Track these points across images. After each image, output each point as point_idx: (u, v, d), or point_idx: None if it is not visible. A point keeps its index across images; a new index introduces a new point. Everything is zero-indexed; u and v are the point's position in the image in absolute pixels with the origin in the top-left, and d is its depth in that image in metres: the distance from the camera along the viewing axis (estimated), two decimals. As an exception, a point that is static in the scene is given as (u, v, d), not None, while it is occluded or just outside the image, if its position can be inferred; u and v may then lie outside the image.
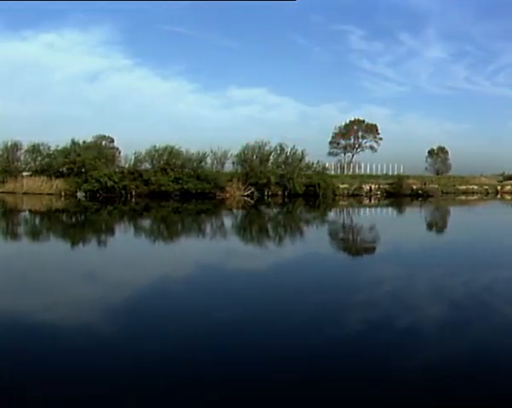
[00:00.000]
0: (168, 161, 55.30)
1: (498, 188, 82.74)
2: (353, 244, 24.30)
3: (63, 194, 52.91)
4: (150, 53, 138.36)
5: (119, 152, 62.34)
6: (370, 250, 21.48)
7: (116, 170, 55.37)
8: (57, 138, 78.05)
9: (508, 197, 74.81)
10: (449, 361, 7.93)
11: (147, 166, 56.32)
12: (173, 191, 53.83)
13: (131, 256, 18.60)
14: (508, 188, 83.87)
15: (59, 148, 56.54)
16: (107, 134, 66.87)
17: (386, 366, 7.71)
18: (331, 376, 7.30)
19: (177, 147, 56.51)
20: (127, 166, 56.23)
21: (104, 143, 63.65)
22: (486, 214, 45.87)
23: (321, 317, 10.40)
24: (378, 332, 9.33)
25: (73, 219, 35.22)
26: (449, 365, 7.75)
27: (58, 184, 53.53)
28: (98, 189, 52.94)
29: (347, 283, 14.04)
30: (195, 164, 56.25)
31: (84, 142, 57.56)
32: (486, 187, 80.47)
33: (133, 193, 53.71)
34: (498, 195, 77.65)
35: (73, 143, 56.41)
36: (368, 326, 9.71)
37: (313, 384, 6.92)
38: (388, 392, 6.74)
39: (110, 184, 52.60)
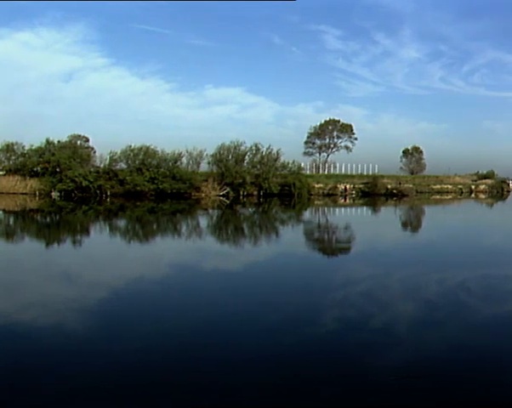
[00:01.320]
0: (144, 160, 55.28)
1: (473, 187, 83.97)
2: (328, 243, 24.49)
3: (37, 193, 52.57)
4: (126, 53, 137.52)
5: (94, 152, 62.20)
6: (345, 249, 21.71)
7: (92, 170, 55.10)
8: (31, 138, 78.05)
9: (482, 196, 75.95)
10: (423, 360, 8.05)
11: (122, 165, 56.19)
12: (149, 191, 53.80)
13: (106, 256, 18.68)
14: (482, 187, 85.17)
15: (33, 147, 56.16)
16: (82, 134, 66.78)
17: (361, 366, 7.77)
18: (305, 375, 7.35)
19: (152, 147, 56.65)
20: (102, 165, 56.00)
21: (79, 142, 63.26)
22: (460, 213, 46.70)
23: (297, 316, 10.45)
24: (352, 332, 9.45)
25: (48, 219, 35.08)
26: (423, 365, 7.86)
27: (32, 183, 53.16)
28: (73, 188, 52.69)
29: (322, 283, 14.08)
30: (170, 164, 56.30)
31: (59, 141, 57.23)
32: (461, 186, 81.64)
33: (109, 193, 53.55)
34: (472, 195, 78.78)
35: (48, 142, 56.11)
36: (343, 326, 9.87)
37: (288, 384, 7.03)
38: (363, 392, 6.82)
39: (85, 183, 52.38)
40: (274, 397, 6.65)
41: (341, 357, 8.16)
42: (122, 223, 32.67)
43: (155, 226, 31.09)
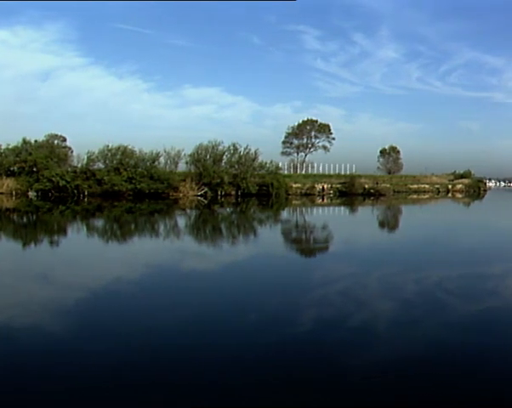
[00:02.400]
0: (121, 160, 55.17)
1: (449, 187, 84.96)
2: (306, 243, 24.69)
3: (14, 193, 52.21)
4: (104, 52, 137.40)
5: (71, 151, 61.96)
6: (322, 249, 21.89)
7: (69, 169, 54.88)
8: (8, 137, 77.00)
9: (459, 196, 76.91)
10: (401, 359, 8.13)
11: (100, 165, 56.06)
12: (127, 191, 53.75)
13: (83, 256, 18.62)
14: (459, 186, 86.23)
15: (9, 146, 55.61)
16: (59, 133, 66.24)
17: (338, 366, 7.84)
18: (283, 376, 7.38)
19: (130, 147, 56.64)
20: (79, 165, 55.77)
21: (56, 142, 62.85)
22: (437, 213, 47.31)
23: (274, 316, 10.48)
24: (330, 331, 9.52)
25: (24, 219, 34.89)
26: (401, 363, 7.95)
27: (9, 183, 52.73)
28: (50, 188, 52.42)
29: (300, 282, 14.06)
30: (148, 164, 56.27)
31: (36, 141, 56.92)
32: (438, 186, 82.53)
33: (86, 193, 53.33)
34: (449, 194, 79.72)
35: (24, 142, 55.73)
36: (321, 325, 9.92)
37: (265, 385, 7.08)
38: (340, 392, 6.88)
39: (62, 183, 52.14)
40: (250, 397, 6.70)
41: (319, 357, 8.19)
42: (99, 223, 32.64)
43: (133, 226, 31.09)
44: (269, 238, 25.22)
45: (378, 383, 7.14)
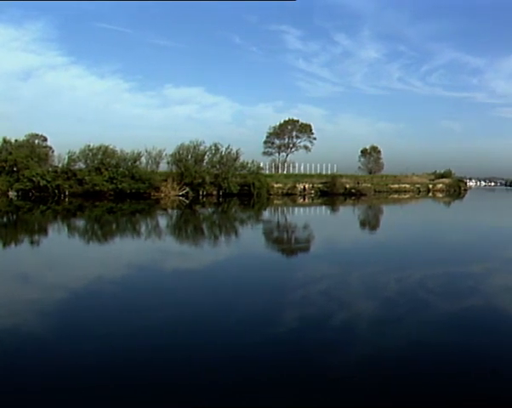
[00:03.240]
0: (103, 160, 55.09)
1: (430, 186, 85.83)
2: (287, 243, 24.79)
3: (-6, 193, 51.96)
4: (85, 51, 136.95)
5: (52, 151, 61.84)
6: (304, 249, 22.04)
7: (50, 169, 54.68)
8: (-13, 137, 76.06)
9: (439, 195, 77.70)
10: (382, 358, 8.23)
11: (81, 165, 55.96)
12: (108, 191, 53.66)
13: (64, 257, 18.63)
14: (439, 186, 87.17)
15: (-11, 146, 55.24)
16: (40, 133, 66.03)
17: (321, 364, 7.89)
18: (265, 375, 7.46)
19: (111, 146, 56.63)
20: (60, 165, 55.64)
21: (36, 142, 62.67)
22: (417, 212, 47.99)
23: (256, 316, 10.53)
24: (311, 330, 9.55)
25: (4, 219, 34.78)
26: (382, 362, 8.05)
27: (-12, 182, 52.42)
28: (30, 188, 52.21)
29: (281, 282, 14.11)
30: (129, 164, 56.23)
31: (16, 140, 56.73)
32: (418, 186, 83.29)
33: (67, 192, 53.18)
34: (430, 194, 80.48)
35: (5, 141, 55.53)
36: (302, 325, 9.97)
37: (246, 384, 7.17)
38: (323, 391, 6.91)
39: (42, 183, 51.95)
40: (231, 397, 6.75)
41: (300, 356, 8.24)
42: (80, 223, 32.57)
43: (114, 226, 31.10)
44: (250, 238, 25.30)
45: (359, 382, 7.24)
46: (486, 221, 39.06)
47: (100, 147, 55.89)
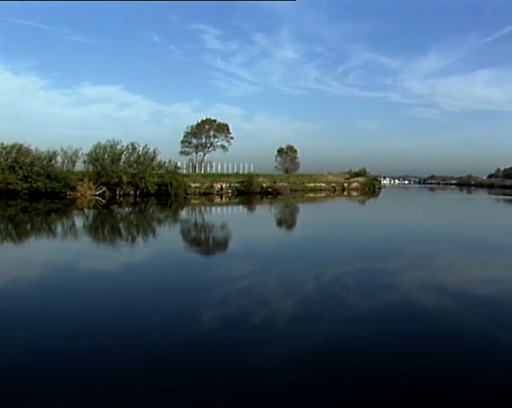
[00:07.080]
0: (17, 159, 54.23)
1: (345, 185, 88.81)
2: (205, 242, 24.97)
3: None
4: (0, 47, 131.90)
5: (-37, 149, 59.79)
6: (222, 248, 22.60)
7: (-40, 167, 53.21)
8: None
9: (354, 194, 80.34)
10: (302, 354, 8.46)
11: (-6, 163, 54.61)
12: (22, 190, 52.86)
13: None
14: (354, 185, 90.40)
15: None
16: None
17: (242, 364, 8.02)
18: (185, 376, 7.55)
19: (26, 145, 55.77)
20: (-29, 164, 54.13)
21: None
22: (332, 210, 49.62)
23: (176, 316, 10.60)
24: (231, 329, 9.74)
25: None
26: (303, 359, 8.27)
27: None
28: None
29: (200, 282, 14.12)
30: (45, 162, 55.59)
31: None
32: (334, 184, 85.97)
33: (-21, 191, 51.93)
34: (345, 192, 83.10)
35: None
36: (223, 324, 10.10)
37: (167, 384, 7.24)
38: (246, 391, 7.07)
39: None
40: (152, 399, 6.86)
41: (221, 356, 8.32)
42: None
43: (28, 226, 30.71)
44: (168, 238, 25.46)
45: (281, 379, 7.47)
46: (398, 218, 40.56)
47: (14, 145, 54.99)
